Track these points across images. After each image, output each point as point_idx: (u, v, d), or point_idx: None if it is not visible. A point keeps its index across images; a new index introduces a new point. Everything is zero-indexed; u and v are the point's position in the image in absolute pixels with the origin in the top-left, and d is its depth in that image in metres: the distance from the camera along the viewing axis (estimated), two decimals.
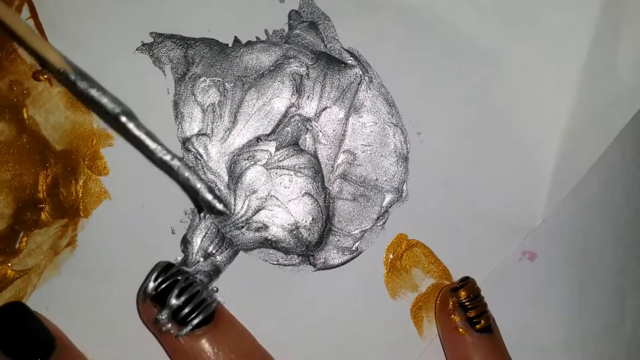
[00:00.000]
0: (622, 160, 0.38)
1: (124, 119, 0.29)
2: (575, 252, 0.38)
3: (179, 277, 0.32)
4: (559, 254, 0.37)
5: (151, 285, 0.32)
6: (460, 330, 0.34)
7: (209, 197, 0.30)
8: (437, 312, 0.36)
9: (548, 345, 0.38)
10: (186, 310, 0.31)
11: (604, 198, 0.38)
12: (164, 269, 0.32)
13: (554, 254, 0.37)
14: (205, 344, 0.31)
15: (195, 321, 0.31)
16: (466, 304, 0.34)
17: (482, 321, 0.33)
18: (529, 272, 0.37)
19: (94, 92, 0.29)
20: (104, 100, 0.29)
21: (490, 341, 0.34)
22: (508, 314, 0.36)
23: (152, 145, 0.29)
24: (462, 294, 0.34)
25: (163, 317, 0.31)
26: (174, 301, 0.31)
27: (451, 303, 0.34)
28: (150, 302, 0.32)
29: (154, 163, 0.31)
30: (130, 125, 0.29)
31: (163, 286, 0.32)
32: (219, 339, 0.32)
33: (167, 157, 0.30)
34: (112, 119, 0.29)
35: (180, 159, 0.30)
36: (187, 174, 0.30)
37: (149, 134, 0.29)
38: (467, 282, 0.34)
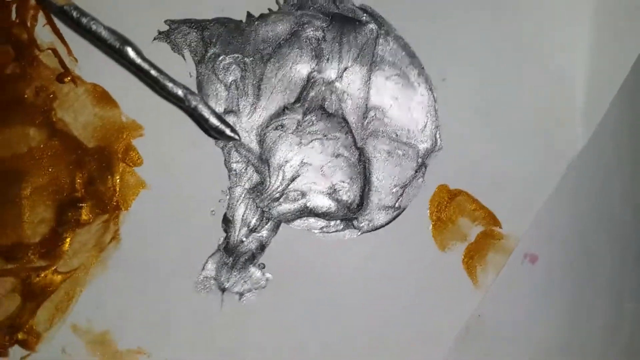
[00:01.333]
0: (620, 163, 0.37)
1: (128, 49, 0.29)
2: (575, 255, 0.37)
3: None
4: (559, 256, 0.37)
5: None
6: None
7: (217, 122, 0.30)
8: None
9: (548, 347, 0.37)
10: None
11: (602, 200, 0.37)
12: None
13: (555, 256, 0.37)
14: None
15: None
16: None
17: None
18: (531, 274, 0.36)
19: (95, 27, 0.29)
20: (105, 34, 0.29)
21: None
22: (511, 316, 0.35)
23: (155, 74, 0.30)
24: None
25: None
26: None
27: None
28: None
29: (159, 93, 0.30)
30: (132, 55, 0.29)
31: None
32: None
33: (170, 85, 0.30)
34: (115, 53, 0.29)
35: (185, 87, 0.30)
36: (193, 102, 0.30)
37: (152, 64, 0.30)
38: None
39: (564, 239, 0.37)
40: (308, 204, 0.35)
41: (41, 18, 0.35)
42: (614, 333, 0.37)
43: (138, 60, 0.30)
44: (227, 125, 0.30)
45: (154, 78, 0.30)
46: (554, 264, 0.37)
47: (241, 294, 0.35)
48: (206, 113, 0.30)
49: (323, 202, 0.35)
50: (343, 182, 0.35)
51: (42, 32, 0.35)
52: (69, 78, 0.35)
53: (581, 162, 0.36)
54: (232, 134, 0.31)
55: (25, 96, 0.35)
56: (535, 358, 0.37)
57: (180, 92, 0.30)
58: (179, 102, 0.30)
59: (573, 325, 0.37)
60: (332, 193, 0.35)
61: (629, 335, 0.37)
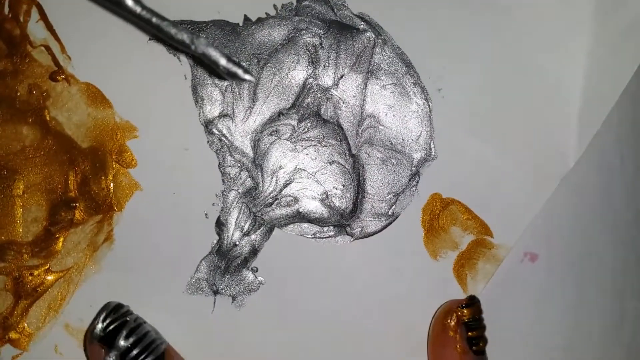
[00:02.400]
0: (622, 163, 0.37)
1: (128, 1, 0.28)
2: (575, 254, 0.37)
3: (128, 318, 0.31)
4: (559, 255, 0.37)
5: (99, 326, 0.31)
6: (457, 348, 0.33)
7: (229, 65, 0.29)
8: (437, 325, 0.35)
9: (549, 346, 0.37)
10: (135, 351, 0.30)
11: (604, 200, 0.37)
12: (113, 310, 0.32)
13: (555, 255, 0.37)
14: None
15: None
16: (470, 323, 0.33)
17: (480, 343, 0.33)
18: (531, 273, 0.37)
19: None
20: None
21: None
22: (510, 315, 0.36)
23: (156, 21, 0.28)
24: (468, 313, 0.33)
25: (111, 359, 0.31)
26: (122, 342, 0.30)
27: (455, 319, 0.34)
28: (98, 343, 0.31)
29: (164, 42, 0.29)
30: (131, 4, 0.28)
31: (111, 327, 0.31)
32: None
33: (174, 31, 0.29)
34: (115, 5, 0.29)
35: (191, 32, 0.29)
36: (201, 47, 0.29)
37: (153, 11, 0.28)
38: (474, 302, 0.34)
39: (565, 238, 0.37)
40: (301, 210, 0.35)
41: (34, 13, 0.34)
42: (615, 332, 0.38)
43: (138, 10, 0.28)
44: (240, 66, 0.29)
45: (157, 26, 0.29)
46: (554, 263, 0.37)
47: (234, 297, 0.35)
48: (216, 56, 0.29)
49: (316, 208, 0.35)
50: (336, 188, 0.35)
51: (36, 28, 0.34)
52: (62, 76, 0.34)
53: (583, 162, 0.36)
54: (245, 76, 0.29)
55: (18, 94, 0.34)
56: (536, 357, 0.37)
57: (185, 38, 0.29)
58: (185, 49, 0.29)
59: (574, 325, 0.37)
60: (325, 199, 0.35)
61: (630, 334, 0.38)
